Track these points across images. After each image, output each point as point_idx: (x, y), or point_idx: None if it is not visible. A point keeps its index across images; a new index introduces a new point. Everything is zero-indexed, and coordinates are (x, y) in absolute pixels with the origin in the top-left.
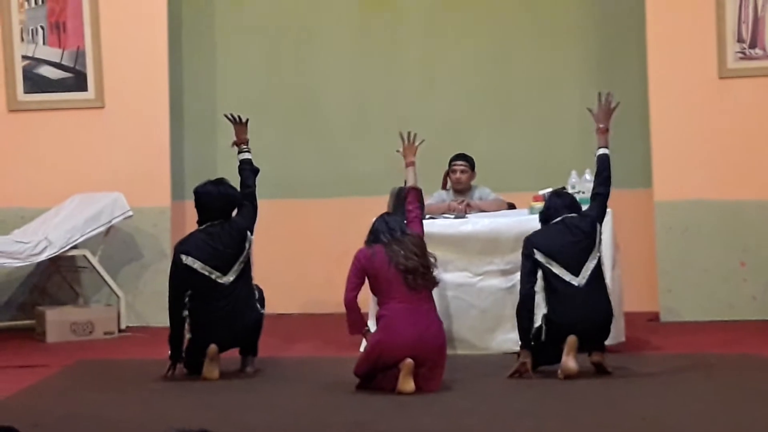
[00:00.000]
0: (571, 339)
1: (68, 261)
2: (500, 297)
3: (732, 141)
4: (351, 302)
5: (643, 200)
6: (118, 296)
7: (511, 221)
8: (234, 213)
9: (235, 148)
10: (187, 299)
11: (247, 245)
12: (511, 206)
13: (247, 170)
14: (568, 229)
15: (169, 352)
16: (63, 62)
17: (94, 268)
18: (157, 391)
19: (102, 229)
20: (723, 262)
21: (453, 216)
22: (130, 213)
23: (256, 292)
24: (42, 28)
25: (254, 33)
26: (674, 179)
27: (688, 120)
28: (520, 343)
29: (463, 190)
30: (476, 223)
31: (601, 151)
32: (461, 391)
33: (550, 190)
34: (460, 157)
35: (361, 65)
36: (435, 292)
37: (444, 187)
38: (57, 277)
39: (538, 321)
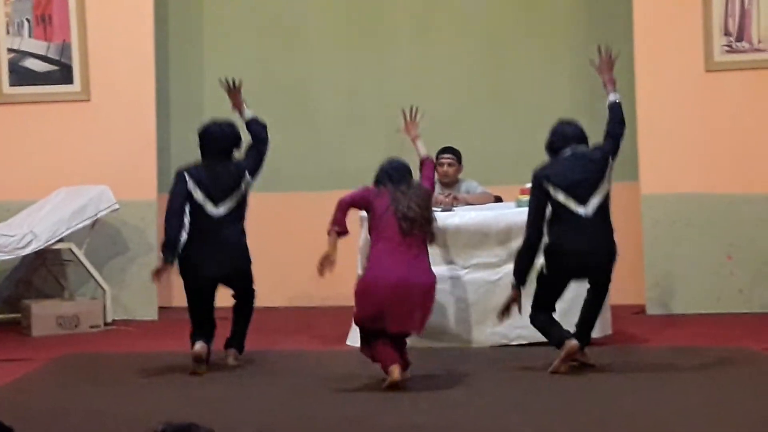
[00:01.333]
0: (571, 345)
1: (54, 254)
2: (488, 290)
3: (719, 134)
4: (343, 202)
5: (630, 193)
6: (104, 289)
7: (498, 214)
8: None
9: (236, 113)
10: (187, 212)
11: (243, 185)
12: (498, 199)
13: (255, 126)
14: (578, 162)
15: (164, 256)
16: (49, 55)
17: (80, 261)
18: (143, 385)
19: (88, 222)
20: (710, 256)
21: (440, 209)
22: (117, 206)
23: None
24: (28, 20)
25: (243, 26)
26: (661, 172)
27: (675, 113)
28: (513, 281)
29: (450, 183)
30: (463, 216)
31: (612, 97)
32: (450, 385)
33: None
34: (447, 150)
35: (352, 59)
36: None
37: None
38: (43, 271)
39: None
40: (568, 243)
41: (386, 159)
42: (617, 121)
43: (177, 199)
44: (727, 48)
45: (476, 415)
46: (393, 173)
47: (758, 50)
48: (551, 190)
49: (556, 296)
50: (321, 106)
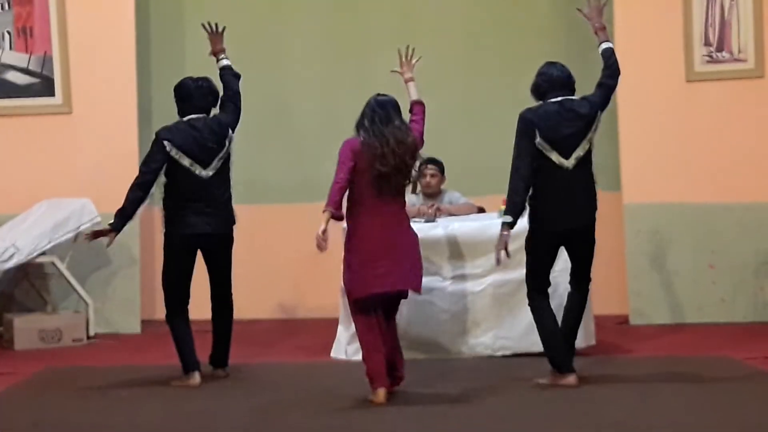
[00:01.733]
0: (570, 381)
1: (36, 268)
2: (471, 300)
3: (700, 144)
4: (338, 186)
5: (612, 203)
6: (86, 303)
7: (481, 225)
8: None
9: (213, 58)
10: (154, 187)
11: (227, 142)
12: (481, 210)
13: (228, 75)
14: (567, 115)
15: (113, 221)
16: (30, 67)
17: (62, 274)
18: (126, 398)
19: (70, 235)
20: (692, 265)
21: (423, 220)
22: (99, 219)
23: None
24: (8, 33)
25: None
26: (643, 182)
27: (657, 123)
28: (507, 219)
29: (433, 194)
30: (446, 227)
31: (604, 45)
32: (434, 397)
33: None
34: (430, 161)
35: (332, 71)
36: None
37: (414, 191)
38: (25, 284)
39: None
40: (551, 198)
41: (375, 95)
42: (612, 70)
43: (151, 171)
44: (707, 58)
45: (461, 427)
46: (378, 110)
47: (738, 60)
48: (537, 139)
49: (548, 265)
50: (300, 119)
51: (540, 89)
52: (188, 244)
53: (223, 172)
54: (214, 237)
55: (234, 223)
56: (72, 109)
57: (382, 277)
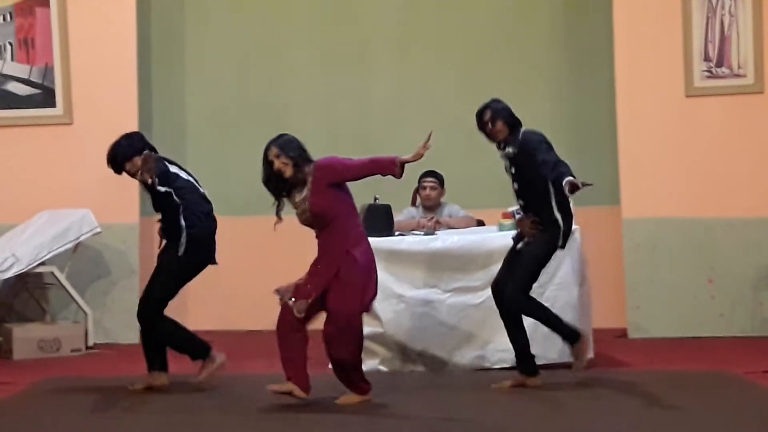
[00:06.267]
0: (534, 381)
1: (36, 278)
2: (470, 314)
3: (699, 159)
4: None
5: (611, 217)
6: (85, 313)
7: (481, 238)
8: None
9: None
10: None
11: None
12: (480, 223)
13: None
14: None
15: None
16: (31, 78)
17: (61, 284)
18: (124, 409)
19: (70, 245)
20: (691, 280)
21: (422, 233)
22: (99, 229)
23: None
24: (10, 44)
25: (223, 51)
26: (642, 196)
27: (656, 138)
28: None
29: (432, 206)
30: (445, 240)
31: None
32: (431, 409)
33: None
34: (430, 173)
35: (331, 84)
36: (405, 310)
37: (413, 203)
38: (24, 294)
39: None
40: (569, 210)
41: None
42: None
43: (193, 189)
44: (707, 73)
45: None
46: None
47: (738, 75)
48: None
49: None
50: (300, 130)
51: (516, 120)
52: (204, 263)
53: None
54: None
55: None
56: (73, 120)
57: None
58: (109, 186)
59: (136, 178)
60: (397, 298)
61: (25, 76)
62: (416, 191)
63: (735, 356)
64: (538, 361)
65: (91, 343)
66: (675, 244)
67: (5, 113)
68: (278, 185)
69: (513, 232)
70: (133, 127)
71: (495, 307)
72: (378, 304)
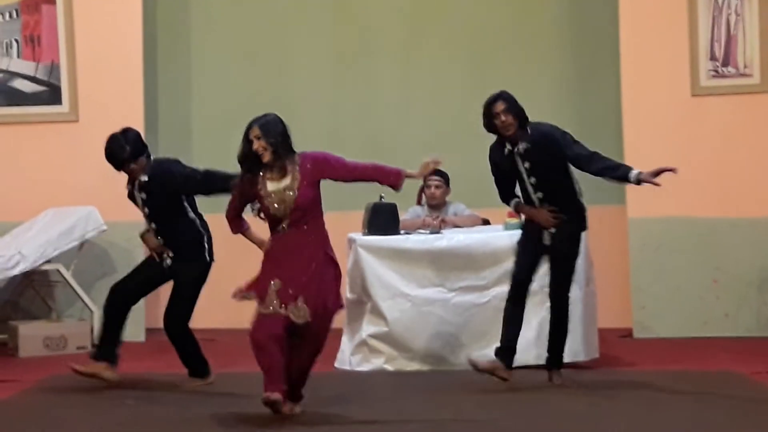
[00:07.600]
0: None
1: (41, 275)
2: (475, 312)
3: (705, 158)
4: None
5: (616, 217)
6: (91, 311)
7: (486, 237)
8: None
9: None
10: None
11: None
12: (486, 222)
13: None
14: None
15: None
16: (37, 75)
17: (67, 282)
18: (130, 407)
19: (75, 243)
20: (696, 279)
21: (428, 231)
22: (104, 227)
23: None
24: (16, 41)
25: (229, 48)
26: (648, 196)
27: (662, 137)
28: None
29: (437, 205)
30: (451, 239)
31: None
32: (437, 408)
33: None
34: (435, 172)
35: (337, 82)
36: (411, 309)
37: (419, 202)
38: (30, 292)
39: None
40: None
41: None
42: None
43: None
44: (713, 73)
45: None
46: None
47: (744, 75)
48: None
49: None
50: (307, 129)
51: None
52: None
53: None
54: None
55: None
56: (79, 117)
57: None
58: (114, 183)
59: (132, 176)
60: (403, 297)
61: (31, 74)
62: (422, 190)
63: (740, 356)
64: (541, 361)
65: (96, 340)
66: (680, 243)
67: (11, 110)
68: (253, 167)
69: (518, 231)
70: (138, 124)
71: (500, 306)
72: (383, 303)
